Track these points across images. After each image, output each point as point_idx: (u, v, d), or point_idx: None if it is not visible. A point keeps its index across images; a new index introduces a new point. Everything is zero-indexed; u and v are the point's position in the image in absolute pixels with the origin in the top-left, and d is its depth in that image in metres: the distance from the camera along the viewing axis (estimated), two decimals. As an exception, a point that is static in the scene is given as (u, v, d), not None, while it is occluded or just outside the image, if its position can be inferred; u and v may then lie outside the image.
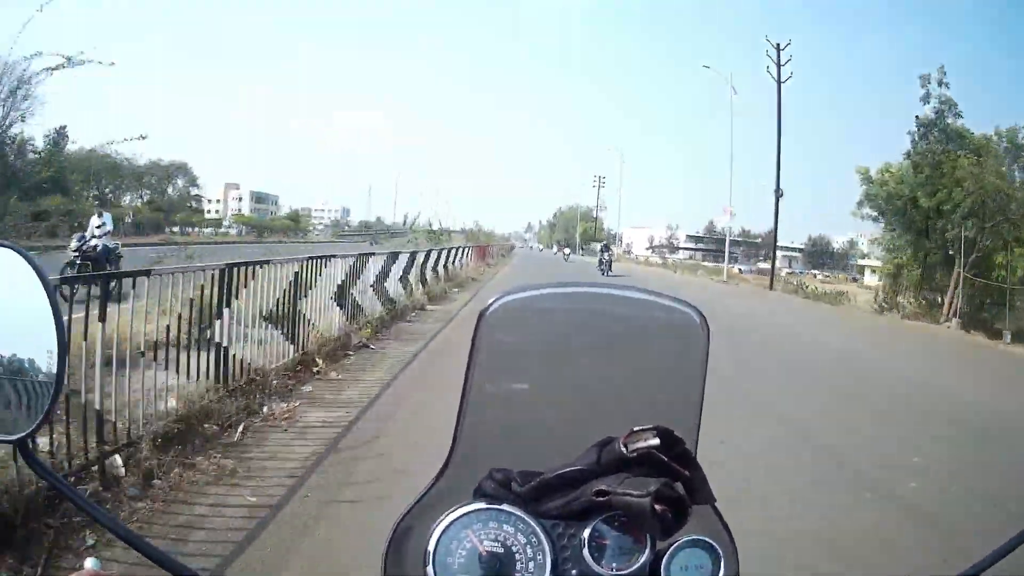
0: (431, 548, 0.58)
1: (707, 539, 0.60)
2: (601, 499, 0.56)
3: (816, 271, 58.62)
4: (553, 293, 0.64)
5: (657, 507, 0.54)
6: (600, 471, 0.58)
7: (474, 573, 0.58)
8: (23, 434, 0.57)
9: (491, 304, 0.62)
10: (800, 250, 71.82)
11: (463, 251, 19.15)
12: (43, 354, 0.60)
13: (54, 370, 0.58)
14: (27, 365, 0.59)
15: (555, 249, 40.45)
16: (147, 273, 3.50)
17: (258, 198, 58.44)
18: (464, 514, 0.59)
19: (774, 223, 27.91)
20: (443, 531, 0.59)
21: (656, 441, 0.56)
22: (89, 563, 0.58)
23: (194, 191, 44.36)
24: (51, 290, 0.60)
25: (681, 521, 0.56)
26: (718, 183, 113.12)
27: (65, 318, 0.63)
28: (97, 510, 0.60)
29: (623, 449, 0.56)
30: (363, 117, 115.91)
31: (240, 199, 56.27)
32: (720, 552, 0.60)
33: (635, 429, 0.57)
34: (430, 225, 26.52)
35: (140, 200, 38.81)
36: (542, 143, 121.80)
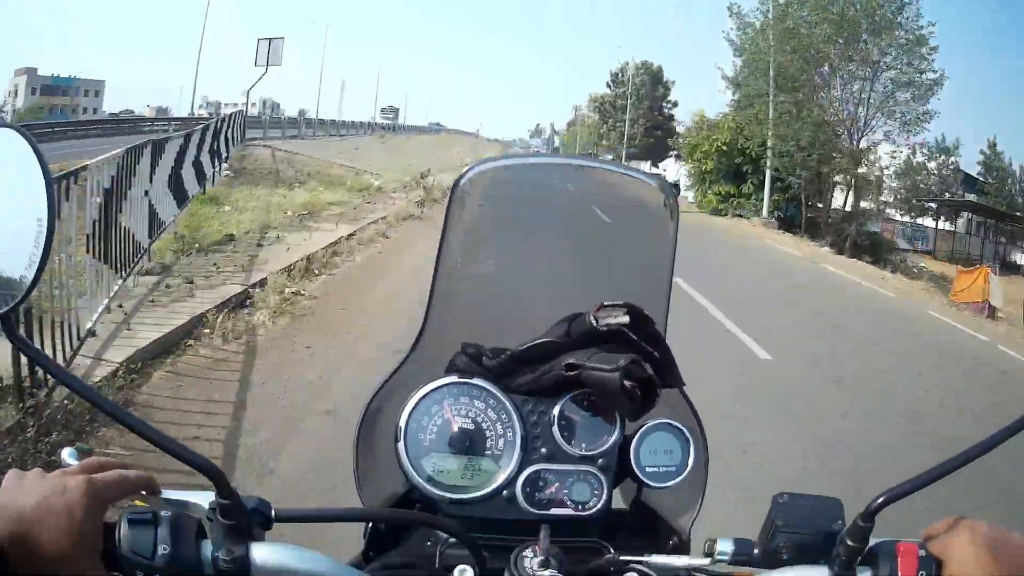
0: (402, 423, 0.58)
1: (676, 423, 0.60)
2: (571, 373, 0.57)
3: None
4: (528, 163, 0.65)
5: (627, 383, 0.54)
6: (570, 344, 0.58)
7: (444, 449, 0.58)
8: (6, 308, 0.54)
9: (466, 172, 0.62)
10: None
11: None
12: (33, 230, 0.60)
13: (41, 245, 0.59)
14: (15, 240, 0.59)
15: None
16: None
17: (45, 88, 38.23)
18: (435, 388, 0.59)
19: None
20: (415, 406, 0.59)
21: (626, 318, 0.56)
22: (65, 453, 0.56)
23: None
24: (47, 170, 0.61)
25: (650, 403, 0.56)
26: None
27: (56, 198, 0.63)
28: (85, 386, 0.56)
29: (593, 322, 0.56)
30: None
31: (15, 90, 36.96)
32: (689, 436, 0.60)
33: (605, 304, 0.57)
34: None
35: None
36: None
